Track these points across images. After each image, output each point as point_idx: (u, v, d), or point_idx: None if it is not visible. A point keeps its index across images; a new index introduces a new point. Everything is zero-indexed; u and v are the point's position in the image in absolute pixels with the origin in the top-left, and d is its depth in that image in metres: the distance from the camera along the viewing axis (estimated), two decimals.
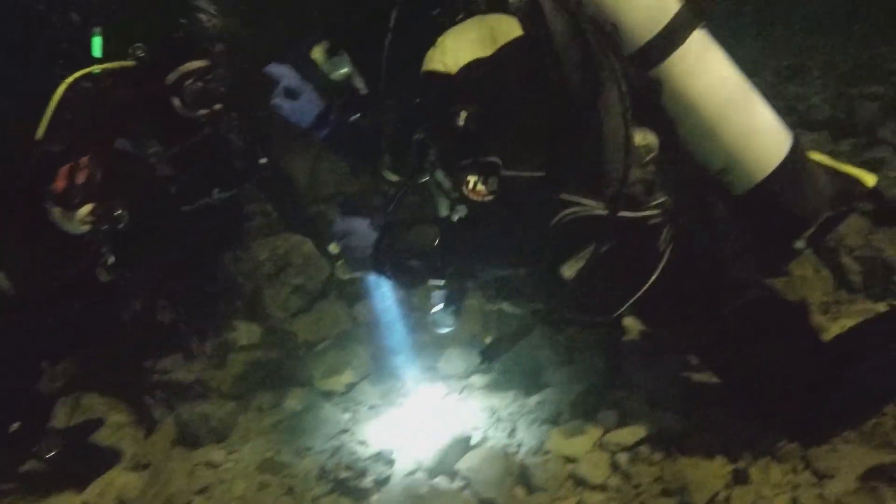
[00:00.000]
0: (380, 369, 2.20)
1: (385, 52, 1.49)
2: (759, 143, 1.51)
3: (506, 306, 1.66)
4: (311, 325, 2.49)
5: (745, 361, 1.52)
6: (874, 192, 2.46)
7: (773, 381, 1.51)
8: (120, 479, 1.91)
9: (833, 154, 3.19)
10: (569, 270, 1.38)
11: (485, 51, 1.41)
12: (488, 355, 1.58)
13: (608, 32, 1.41)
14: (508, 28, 1.43)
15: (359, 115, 1.68)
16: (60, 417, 2.10)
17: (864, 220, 2.35)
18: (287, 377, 2.29)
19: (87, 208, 1.76)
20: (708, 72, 1.48)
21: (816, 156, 1.68)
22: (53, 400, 2.12)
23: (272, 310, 2.52)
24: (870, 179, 1.65)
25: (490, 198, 1.38)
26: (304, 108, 1.77)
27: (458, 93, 1.40)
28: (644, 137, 1.43)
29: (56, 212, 1.75)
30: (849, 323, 1.84)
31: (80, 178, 1.72)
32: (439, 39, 1.43)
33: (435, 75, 1.42)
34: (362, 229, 1.54)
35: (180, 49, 1.94)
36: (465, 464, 1.71)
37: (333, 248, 1.60)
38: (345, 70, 1.58)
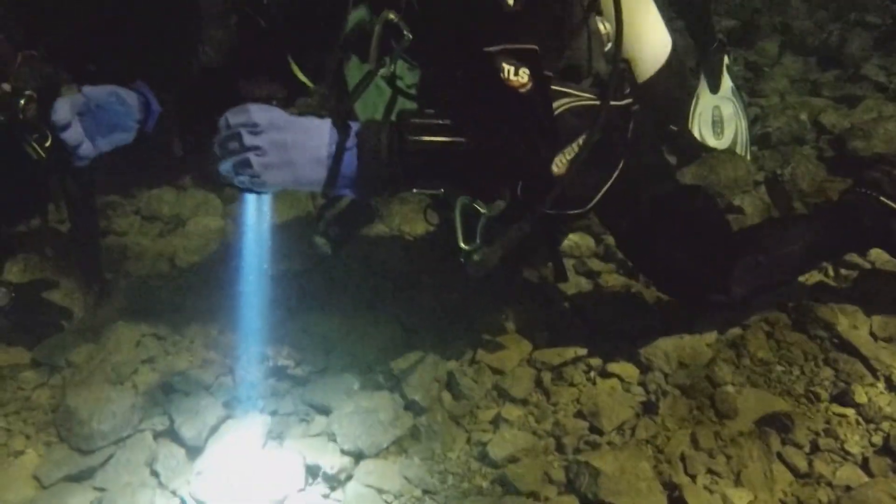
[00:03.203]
0: None
1: None
2: (654, 41, 1.68)
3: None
4: None
5: (657, 245, 1.67)
6: (837, 139, 2.50)
7: (679, 263, 1.67)
8: (68, 340, 1.98)
9: (815, 84, 3.21)
10: (558, 165, 1.34)
11: None
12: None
13: None
14: None
15: None
16: (14, 272, 2.14)
17: (821, 167, 2.38)
18: None
19: None
20: None
21: None
22: (4, 256, 2.14)
23: None
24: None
25: (528, 90, 1.23)
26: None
27: None
28: (604, 25, 1.42)
29: None
30: None
31: None
32: None
33: None
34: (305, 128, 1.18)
35: None
36: (399, 365, 1.81)
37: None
38: None
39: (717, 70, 2.74)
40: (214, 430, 1.70)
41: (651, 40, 1.67)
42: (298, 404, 1.78)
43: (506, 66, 1.22)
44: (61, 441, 1.70)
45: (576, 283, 2.07)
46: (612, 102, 1.38)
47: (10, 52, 1.85)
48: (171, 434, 1.71)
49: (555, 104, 1.32)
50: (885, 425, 1.54)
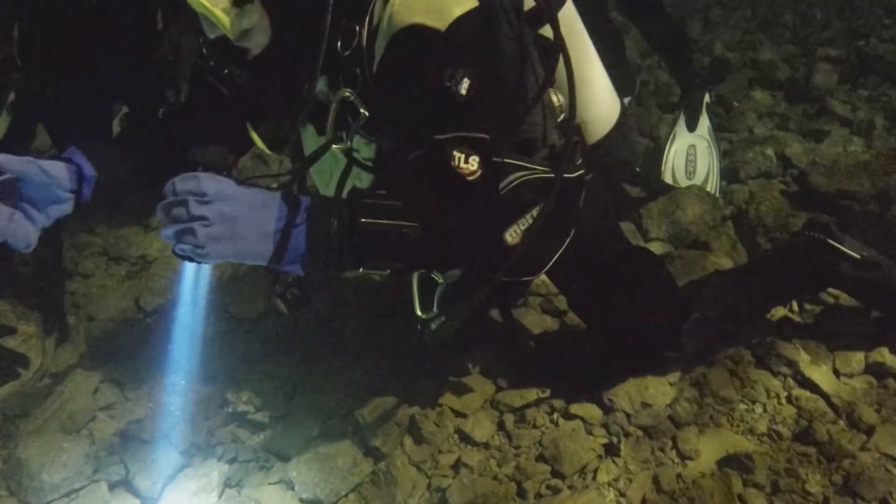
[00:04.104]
0: None
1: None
2: (604, 105, 1.71)
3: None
4: None
5: (608, 305, 1.69)
6: (801, 174, 2.53)
7: (629, 323, 1.67)
8: (24, 389, 1.95)
9: (782, 119, 3.26)
10: (512, 235, 1.32)
11: (463, 3, 1.24)
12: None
13: None
14: None
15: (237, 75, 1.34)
16: None
17: (786, 202, 2.40)
18: None
19: None
20: (574, 38, 1.54)
21: None
22: None
23: None
24: None
25: (477, 177, 1.23)
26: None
27: (451, 53, 1.23)
28: (557, 97, 1.43)
29: None
30: None
31: None
32: None
33: (421, 31, 1.22)
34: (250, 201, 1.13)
35: None
36: (360, 410, 1.78)
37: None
38: (247, 23, 1.25)
39: (696, 108, 2.78)
40: (171, 479, 1.67)
41: (601, 104, 1.70)
42: (258, 451, 1.75)
43: (456, 154, 1.21)
44: (10, 495, 1.65)
45: (541, 322, 2.06)
46: (566, 175, 1.38)
47: None
48: (126, 484, 1.68)
49: (509, 178, 1.32)
50: (846, 463, 1.52)
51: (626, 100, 3.27)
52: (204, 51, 1.30)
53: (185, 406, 1.88)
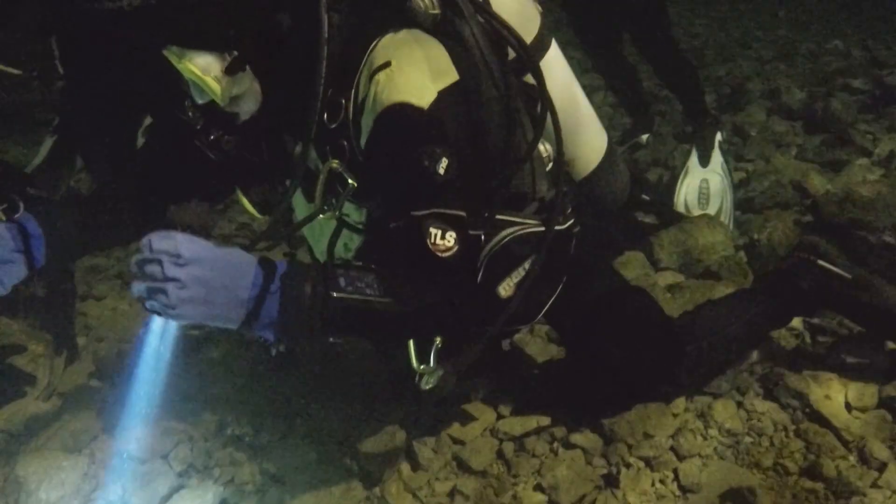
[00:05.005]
0: None
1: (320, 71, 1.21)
2: (591, 140, 1.74)
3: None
4: None
5: (602, 342, 1.66)
6: (813, 204, 2.49)
7: (625, 359, 1.65)
8: (31, 408, 1.97)
9: (801, 149, 3.22)
10: (506, 289, 1.34)
11: (444, 78, 1.24)
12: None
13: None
14: (436, 49, 1.27)
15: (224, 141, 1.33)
16: None
17: (799, 232, 2.36)
18: None
19: None
20: (559, 79, 1.58)
21: None
22: None
23: None
24: None
25: (452, 254, 1.23)
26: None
27: (431, 132, 1.22)
28: (545, 148, 1.43)
29: None
30: None
31: None
32: (383, 61, 1.23)
33: (404, 108, 1.21)
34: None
35: None
36: (359, 435, 1.76)
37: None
38: (238, 90, 1.24)
39: (708, 145, 2.78)
40: (166, 499, 1.67)
41: (588, 140, 1.72)
42: (255, 474, 1.74)
43: (432, 231, 1.22)
44: None
45: (546, 351, 2.03)
46: (556, 227, 1.40)
47: None
48: None
49: (501, 234, 1.34)
50: (855, 501, 1.47)
51: (645, 137, 3.30)
52: (190, 114, 1.29)
53: (186, 428, 1.88)
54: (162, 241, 1.08)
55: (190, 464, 1.78)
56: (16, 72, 1.91)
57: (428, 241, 1.21)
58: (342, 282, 1.18)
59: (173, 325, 1.27)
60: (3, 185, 1.93)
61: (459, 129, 1.26)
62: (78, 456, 1.79)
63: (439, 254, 1.22)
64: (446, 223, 1.23)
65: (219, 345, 2.16)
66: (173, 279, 1.06)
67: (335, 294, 1.16)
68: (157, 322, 1.27)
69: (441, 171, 1.20)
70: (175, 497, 1.67)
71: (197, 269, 1.08)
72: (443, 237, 1.22)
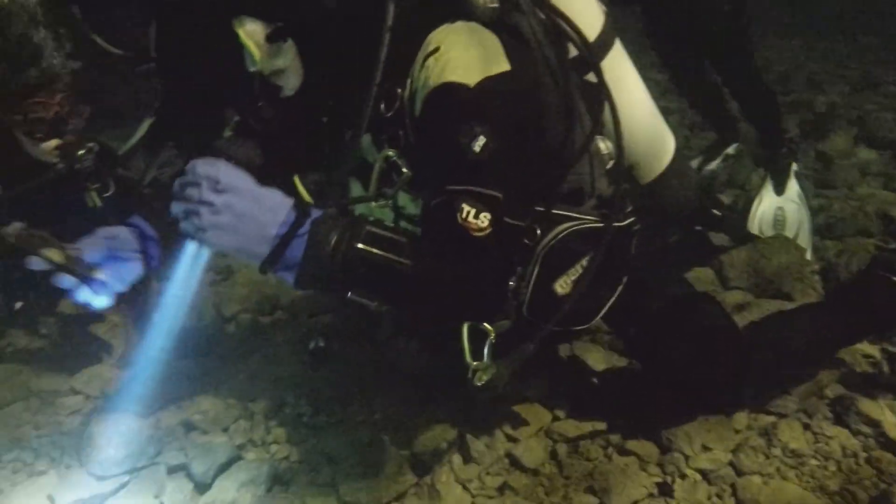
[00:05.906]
0: None
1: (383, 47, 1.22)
2: (656, 146, 1.73)
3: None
4: None
5: (666, 351, 1.62)
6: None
7: (689, 368, 1.60)
8: (107, 373, 2.07)
9: (888, 178, 3.09)
10: (562, 286, 1.35)
11: (493, 66, 1.25)
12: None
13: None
14: (490, 39, 1.29)
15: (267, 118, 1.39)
16: (65, 305, 2.26)
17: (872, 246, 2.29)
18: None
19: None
20: (622, 79, 1.57)
21: None
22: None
23: None
24: None
25: (485, 234, 1.21)
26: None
27: (473, 109, 1.22)
28: (605, 144, 1.43)
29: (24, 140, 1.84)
30: None
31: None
32: (435, 47, 1.25)
33: (452, 87, 1.22)
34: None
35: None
36: (414, 423, 1.78)
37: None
38: (281, 62, 1.29)
39: (783, 174, 2.71)
40: (224, 468, 1.71)
41: (653, 145, 1.70)
42: (310, 452, 1.78)
43: (465, 208, 1.20)
44: (81, 465, 1.74)
45: (606, 359, 2.00)
46: (615, 224, 1.38)
47: (73, 106, 1.98)
48: (184, 468, 1.74)
49: (558, 228, 1.33)
50: None
51: (733, 147, 3.23)
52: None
53: (248, 405, 1.94)
54: (205, 167, 1.13)
55: (249, 438, 1.83)
56: (118, 51, 2.02)
57: (459, 215, 1.19)
58: (370, 237, 1.18)
59: (205, 253, 1.30)
60: (99, 166, 2.03)
61: (507, 116, 1.25)
62: (145, 420, 1.86)
63: (471, 232, 1.20)
64: (481, 202, 1.21)
65: (285, 330, 2.23)
66: (209, 203, 1.10)
67: (359, 245, 1.17)
68: (191, 247, 1.30)
69: (476, 150, 1.19)
70: (232, 468, 1.72)
71: (233, 197, 1.11)
72: (476, 217, 1.20)
